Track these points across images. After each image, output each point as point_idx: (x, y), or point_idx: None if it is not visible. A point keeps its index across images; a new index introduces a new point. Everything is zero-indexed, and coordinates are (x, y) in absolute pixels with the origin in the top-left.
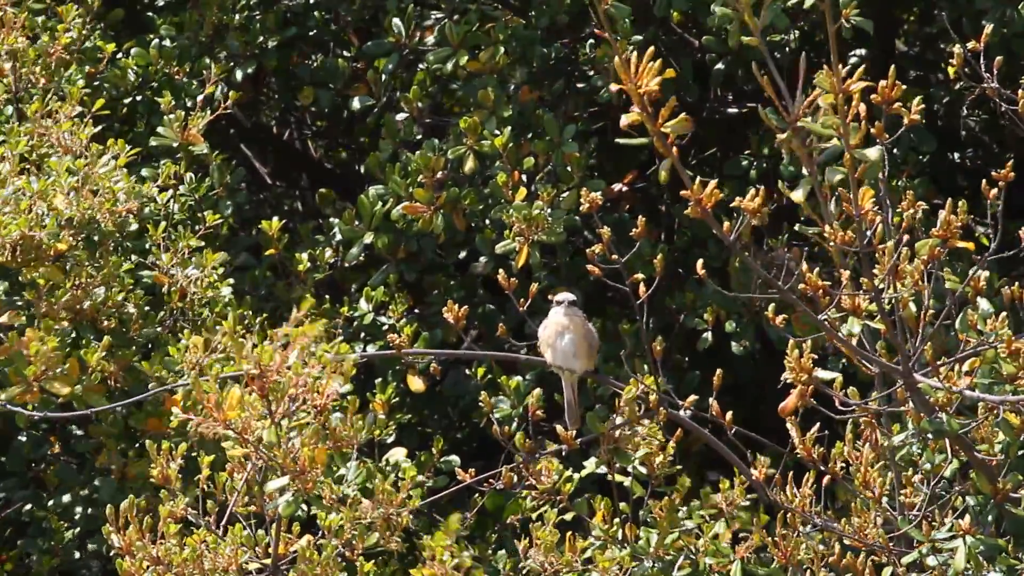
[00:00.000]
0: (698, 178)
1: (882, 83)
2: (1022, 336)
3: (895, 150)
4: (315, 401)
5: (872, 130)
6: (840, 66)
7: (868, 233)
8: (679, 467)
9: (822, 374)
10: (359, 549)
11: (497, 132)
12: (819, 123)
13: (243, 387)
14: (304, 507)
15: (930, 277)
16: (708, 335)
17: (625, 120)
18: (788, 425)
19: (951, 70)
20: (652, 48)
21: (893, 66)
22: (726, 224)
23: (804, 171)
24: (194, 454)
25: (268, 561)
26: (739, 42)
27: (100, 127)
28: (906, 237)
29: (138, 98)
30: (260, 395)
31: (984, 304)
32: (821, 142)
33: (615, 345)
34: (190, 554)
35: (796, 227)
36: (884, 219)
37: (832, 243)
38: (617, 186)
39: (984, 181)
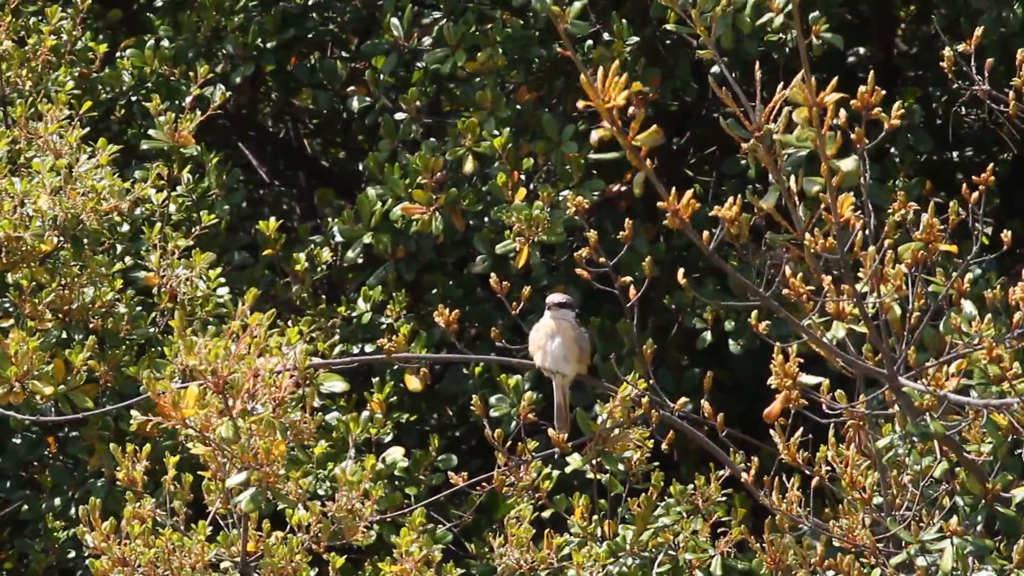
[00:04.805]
0: (673, 189)
1: (861, 88)
2: (1004, 339)
3: (892, 148)
4: (272, 395)
5: (852, 135)
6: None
7: (849, 240)
8: (656, 464)
9: (808, 379)
10: (324, 542)
11: (496, 133)
12: (794, 135)
13: (198, 384)
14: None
15: (915, 281)
16: (707, 334)
17: (595, 136)
18: (772, 431)
19: (948, 69)
20: (616, 62)
21: (872, 72)
22: (705, 234)
23: (771, 179)
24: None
25: (238, 559)
26: (733, 42)
27: (89, 129)
28: (889, 241)
29: (133, 99)
30: (215, 391)
31: (968, 307)
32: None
33: (614, 343)
34: (157, 554)
35: (767, 235)
36: (866, 223)
37: (812, 250)
38: (617, 186)
39: (965, 186)
